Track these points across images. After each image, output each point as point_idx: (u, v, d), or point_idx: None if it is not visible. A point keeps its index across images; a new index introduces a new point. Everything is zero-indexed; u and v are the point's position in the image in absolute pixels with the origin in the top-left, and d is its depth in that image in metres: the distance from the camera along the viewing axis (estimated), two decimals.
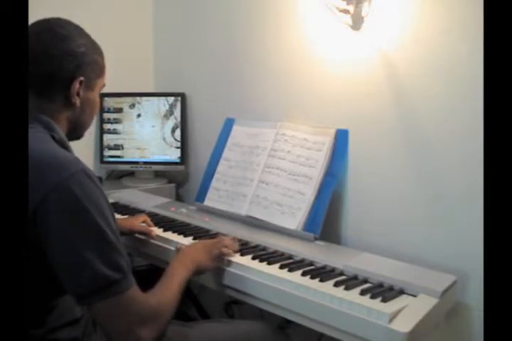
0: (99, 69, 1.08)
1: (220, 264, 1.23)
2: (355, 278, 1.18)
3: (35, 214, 0.86)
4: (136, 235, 1.44)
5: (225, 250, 1.23)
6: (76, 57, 1.01)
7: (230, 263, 1.24)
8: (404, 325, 0.97)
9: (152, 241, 1.41)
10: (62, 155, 0.94)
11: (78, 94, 1.03)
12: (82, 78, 1.02)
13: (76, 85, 1.01)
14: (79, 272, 0.87)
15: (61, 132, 1.02)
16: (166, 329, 0.99)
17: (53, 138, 0.99)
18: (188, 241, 1.38)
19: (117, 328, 0.91)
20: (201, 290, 1.91)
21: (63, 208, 0.87)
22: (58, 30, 1.00)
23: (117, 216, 1.60)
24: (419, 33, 1.31)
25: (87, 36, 1.06)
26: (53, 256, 0.88)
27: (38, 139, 0.94)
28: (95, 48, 1.07)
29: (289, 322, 1.28)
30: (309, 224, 1.42)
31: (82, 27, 1.07)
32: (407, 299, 1.08)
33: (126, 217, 1.61)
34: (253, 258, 1.25)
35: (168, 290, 1.02)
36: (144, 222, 1.47)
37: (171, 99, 2.06)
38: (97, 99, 1.10)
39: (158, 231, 1.45)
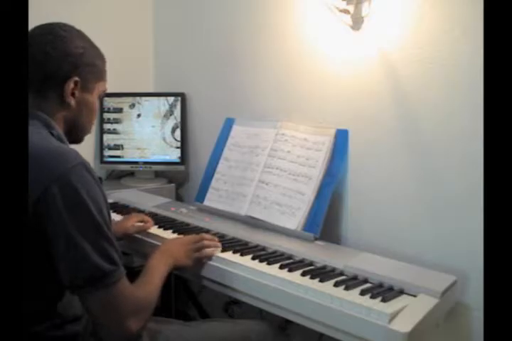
0: (99, 73, 1.09)
1: (198, 263, 1.25)
2: (355, 278, 1.18)
3: (37, 205, 0.88)
4: (135, 235, 1.43)
5: (204, 253, 1.25)
6: (73, 57, 1.02)
7: (230, 263, 1.24)
8: (404, 325, 0.97)
9: (152, 241, 1.41)
10: (63, 149, 0.96)
11: (74, 95, 1.04)
12: (77, 78, 1.03)
13: (70, 85, 1.03)
14: (76, 263, 0.90)
15: (59, 130, 1.04)
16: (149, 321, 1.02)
17: (52, 134, 1.01)
18: None
19: (107, 318, 0.94)
20: (201, 290, 1.91)
21: (63, 200, 0.89)
22: (58, 31, 1.03)
23: (117, 216, 1.60)
24: (419, 33, 1.31)
25: (87, 40, 1.08)
26: (53, 246, 0.91)
27: (37, 134, 0.96)
28: (95, 52, 1.09)
29: (289, 322, 1.28)
30: (309, 224, 1.42)
31: (82, 27, 1.09)
32: (407, 299, 1.08)
33: (122, 217, 1.61)
34: (253, 258, 1.25)
35: (150, 284, 1.05)
36: (140, 220, 1.45)
37: (171, 99, 2.06)
38: (96, 103, 1.11)
39: (158, 231, 1.45)
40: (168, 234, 1.42)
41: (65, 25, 1.06)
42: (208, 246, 1.27)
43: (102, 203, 0.95)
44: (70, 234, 0.89)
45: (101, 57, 1.11)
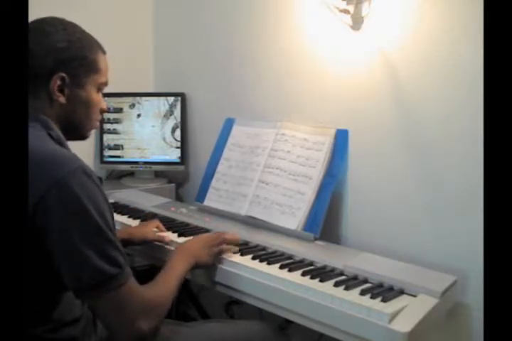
0: (90, 66, 1.03)
1: (217, 259, 1.24)
2: (355, 278, 1.18)
3: (36, 210, 0.87)
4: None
5: (225, 247, 1.25)
6: (55, 52, 0.98)
7: (230, 263, 1.24)
8: (404, 325, 0.97)
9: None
10: (61, 153, 0.94)
11: (62, 91, 1.00)
12: (62, 74, 0.99)
13: (56, 81, 0.99)
14: (78, 267, 0.89)
15: (58, 130, 1.02)
16: (162, 321, 1.00)
17: (51, 136, 0.99)
18: None
19: (116, 321, 0.92)
20: (201, 290, 1.91)
21: (62, 205, 0.88)
22: (44, 27, 0.99)
23: (117, 216, 1.60)
24: (419, 33, 1.31)
25: (76, 32, 1.02)
26: (54, 251, 0.89)
27: (36, 137, 0.94)
28: (85, 45, 1.03)
29: (289, 322, 1.28)
30: (309, 224, 1.42)
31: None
32: (407, 299, 1.08)
33: (125, 217, 1.62)
34: (253, 258, 1.25)
35: (166, 283, 1.04)
36: (156, 227, 1.44)
37: (171, 99, 2.06)
38: (92, 97, 1.05)
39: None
40: (168, 234, 1.42)
41: (52, 19, 1.02)
42: (228, 241, 1.27)
43: (104, 206, 0.93)
44: (71, 239, 0.88)
45: (93, 48, 1.04)
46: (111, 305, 0.91)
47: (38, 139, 0.95)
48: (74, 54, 1.01)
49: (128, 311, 0.92)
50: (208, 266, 1.23)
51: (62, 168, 0.89)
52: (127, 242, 1.34)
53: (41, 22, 1.01)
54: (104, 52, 1.08)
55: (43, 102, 1.00)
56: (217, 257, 1.24)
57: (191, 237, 1.39)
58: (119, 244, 0.94)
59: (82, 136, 1.11)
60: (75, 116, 1.05)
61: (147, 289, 0.98)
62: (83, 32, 1.05)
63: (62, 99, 1.01)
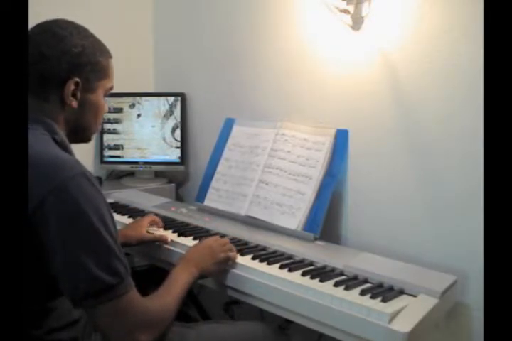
0: (101, 71, 1.04)
1: (224, 267, 1.22)
2: (355, 278, 1.18)
3: (35, 215, 0.85)
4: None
5: (231, 254, 1.22)
6: (71, 57, 0.98)
7: (230, 263, 1.24)
8: (404, 325, 0.97)
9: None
10: (63, 158, 0.93)
11: (75, 96, 1.00)
12: (77, 79, 0.99)
13: (70, 86, 0.99)
14: (76, 275, 0.87)
15: (62, 134, 1.01)
16: (167, 331, 0.99)
17: (55, 140, 0.98)
18: (188, 241, 1.38)
19: (115, 332, 0.90)
20: (201, 290, 1.91)
21: (62, 210, 0.86)
22: (56, 30, 0.99)
23: (117, 216, 1.60)
24: (419, 33, 1.31)
25: (88, 37, 1.03)
26: (52, 257, 0.88)
27: (39, 141, 0.94)
28: (97, 49, 1.03)
29: (289, 322, 1.28)
30: (309, 224, 1.42)
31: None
32: (407, 299, 1.08)
33: (125, 217, 1.61)
34: (253, 258, 1.25)
35: (169, 295, 1.01)
36: (152, 222, 1.43)
37: (171, 99, 2.06)
38: (101, 102, 1.06)
39: (158, 231, 1.45)
40: (169, 234, 1.42)
41: (64, 22, 1.02)
42: (232, 249, 1.24)
43: (105, 213, 0.90)
44: (69, 246, 0.86)
45: (104, 53, 1.05)
46: (109, 315, 0.89)
47: (41, 142, 0.94)
48: (88, 59, 1.01)
49: (127, 323, 0.90)
50: (213, 275, 1.20)
51: (63, 172, 0.88)
52: (124, 245, 1.33)
53: (52, 25, 1.00)
54: (111, 57, 1.08)
55: (53, 106, 1.00)
56: (222, 265, 1.21)
57: (191, 237, 1.40)
58: (120, 252, 0.91)
59: (86, 139, 1.11)
60: (83, 120, 1.05)
61: (149, 301, 0.95)
62: (94, 36, 1.05)
63: (74, 104, 1.01)
